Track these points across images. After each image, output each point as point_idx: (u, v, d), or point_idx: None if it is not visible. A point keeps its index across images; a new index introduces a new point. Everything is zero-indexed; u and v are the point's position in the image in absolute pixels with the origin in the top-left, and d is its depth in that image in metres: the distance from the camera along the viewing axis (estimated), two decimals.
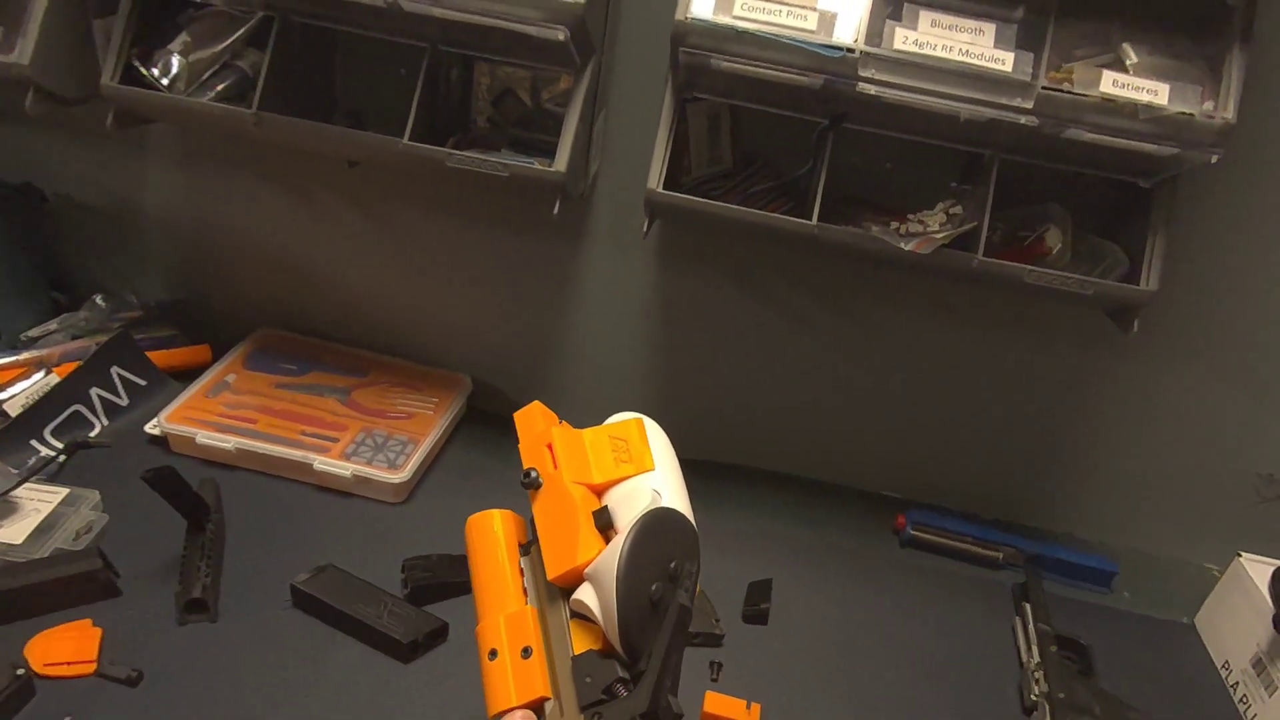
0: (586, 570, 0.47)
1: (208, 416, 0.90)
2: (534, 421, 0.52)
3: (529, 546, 0.51)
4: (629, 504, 0.48)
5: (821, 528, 0.97)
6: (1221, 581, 0.90)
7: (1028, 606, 0.86)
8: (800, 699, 0.76)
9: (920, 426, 1.00)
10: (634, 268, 0.95)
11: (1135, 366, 0.92)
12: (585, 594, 0.46)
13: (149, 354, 0.97)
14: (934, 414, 0.99)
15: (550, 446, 0.50)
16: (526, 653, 0.47)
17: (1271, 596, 0.81)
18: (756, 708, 0.72)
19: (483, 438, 1.01)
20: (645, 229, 0.79)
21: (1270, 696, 0.79)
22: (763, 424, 1.03)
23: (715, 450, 1.05)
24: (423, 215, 0.97)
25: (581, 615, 0.47)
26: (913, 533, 0.96)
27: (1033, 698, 0.77)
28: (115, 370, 0.93)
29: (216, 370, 0.97)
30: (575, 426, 1.05)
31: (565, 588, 0.48)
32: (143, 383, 0.96)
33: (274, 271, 1.04)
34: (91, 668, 0.67)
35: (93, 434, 0.91)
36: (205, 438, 0.87)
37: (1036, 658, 0.80)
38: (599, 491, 0.49)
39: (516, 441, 1.05)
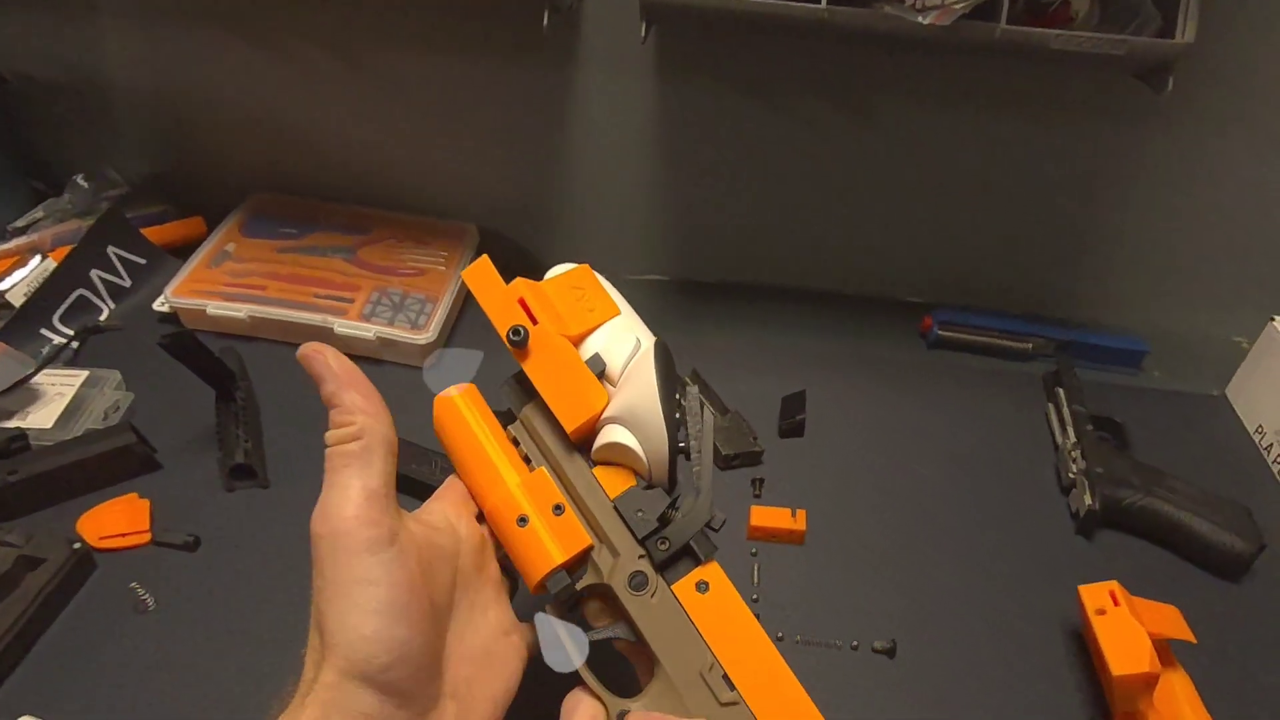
0: (605, 416, 0.47)
1: (214, 287, 0.88)
2: (490, 279, 0.50)
3: (507, 415, 0.50)
4: (614, 349, 0.49)
5: (849, 338, 0.96)
6: (1254, 349, 0.90)
7: (1060, 391, 0.85)
8: (843, 501, 0.77)
9: (943, 226, 0.97)
10: (634, 87, 0.90)
11: (1167, 137, 0.87)
12: (619, 435, 0.46)
13: (142, 231, 0.94)
14: (956, 212, 0.96)
15: (523, 302, 0.48)
16: (559, 510, 0.47)
17: None
18: (802, 513, 0.73)
19: None
20: (643, 34, 0.73)
21: None
22: (782, 240, 1.00)
23: (735, 270, 1.03)
24: (405, 54, 0.91)
25: (603, 461, 0.48)
26: (940, 333, 0.95)
27: (1070, 476, 0.78)
28: (112, 250, 0.91)
29: (214, 241, 0.94)
30: (594, 267, 1.03)
31: (577, 441, 0.48)
32: (142, 261, 0.93)
33: (258, 132, 0.99)
34: (147, 537, 0.68)
35: (101, 318, 0.89)
36: (216, 308, 0.86)
37: (1073, 438, 0.80)
38: (575, 342, 0.49)
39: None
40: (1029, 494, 0.80)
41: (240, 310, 0.85)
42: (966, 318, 0.96)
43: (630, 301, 1.04)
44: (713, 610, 0.44)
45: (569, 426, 0.47)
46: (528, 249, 1.04)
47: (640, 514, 0.46)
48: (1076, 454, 0.79)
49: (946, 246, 0.98)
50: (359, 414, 0.43)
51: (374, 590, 0.39)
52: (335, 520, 0.40)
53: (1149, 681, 0.59)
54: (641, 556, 0.46)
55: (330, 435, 0.43)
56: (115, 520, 0.68)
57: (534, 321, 0.48)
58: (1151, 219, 0.93)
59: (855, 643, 0.66)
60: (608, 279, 1.07)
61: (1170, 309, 0.99)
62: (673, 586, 0.45)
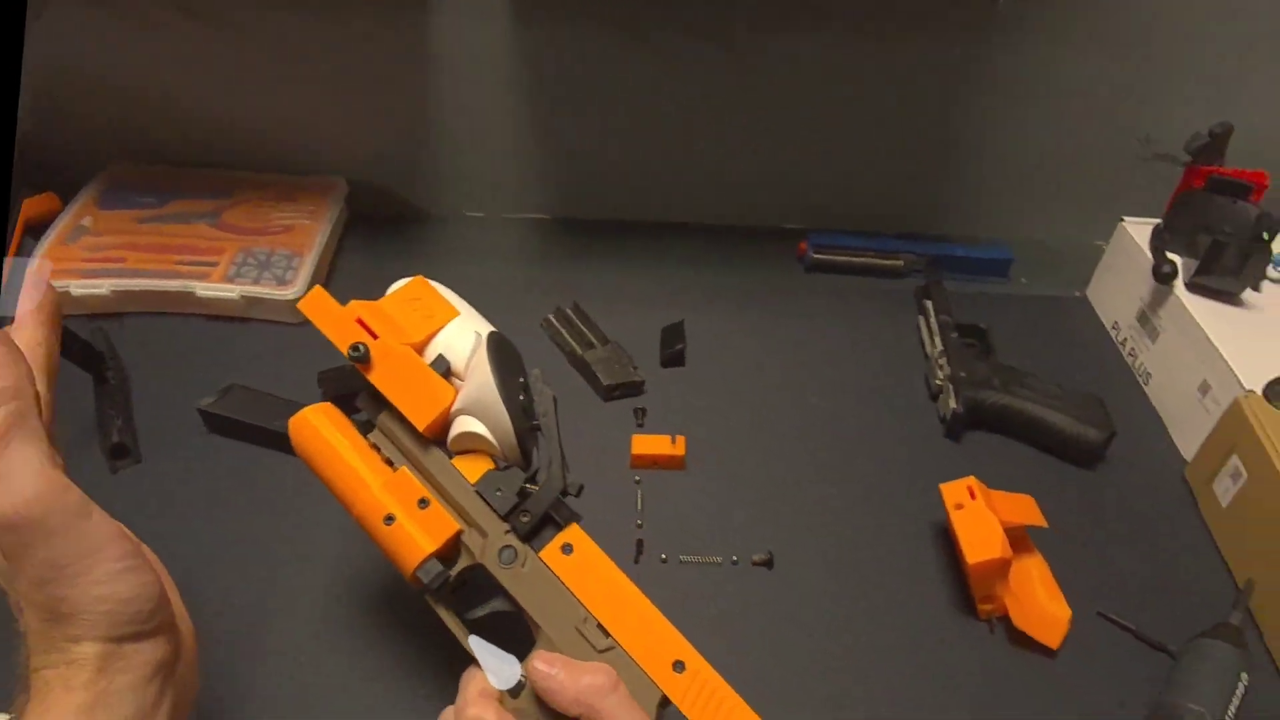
0: (454, 409, 0.49)
1: (72, 265, 0.85)
2: (325, 304, 0.52)
3: (366, 425, 0.52)
4: (457, 348, 0.51)
5: (727, 268, 0.98)
6: (1107, 250, 0.94)
7: (929, 303, 0.89)
8: (723, 425, 0.79)
9: (812, 152, 0.98)
10: (492, 30, 0.88)
11: (1009, 50, 0.90)
12: (470, 425, 0.49)
13: None
14: (822, 137, 0.97)
15: (361, 321, 0.51)
16: (424, 503, 0.49)
17: (1151, 250, 0.85)
18: (681, 440, 0.75)
19: (372, 243, 0.98)
20: None
21: (1154, 343, 0.85)
22: (657, 175, 1.00)
23: (614, 208, 1.03)
24: (257, 9, 0.87)
25: (461, 451, 0.51)
26: (815, 256, 0.97)
27: (937, 383, 0.82)
28: None
29: (68, 216, 0.90)
30: (472, 208, 1.02)
31: (433, 437, 0.51)
32: None
33: (111, 100, 0.94)
34: None
35: None
36: (79, 288, 0.82)
37: (939, 346, 0.84)
38: (418, 349, 0.51)
39: (407, 242, 1.03)
40: (901, 403, 0.83)
41: (101, 286, 0.83)
42: (840, 240, 0.98)
43: (512, 240, 1.05)
44: (579, 568, 0.47)
45: (420, 425, 0.49)
46: (405, 197, 1.02)
47: (499, 493, 0.49)
48: (942, 361, 0.82)
49: (817, 172, 1.00)
50: (6, 367, 0.36)
51: (110, 551, 0.36)
52: (39, 500, 0.35)
53: (1001, 566, 0.62)
54: (508, 532, 0.48)
55: None
56: None
57: (374, 336, 0.50)
58: (1005, 132, 0.96)
59: (735, 558, 0.68)
60: (488, 219, 1.07)
61: (1033, 218, 1.03)
62: (540, 554, 0.48)
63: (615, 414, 0.79)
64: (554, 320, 0.86)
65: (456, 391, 0.50)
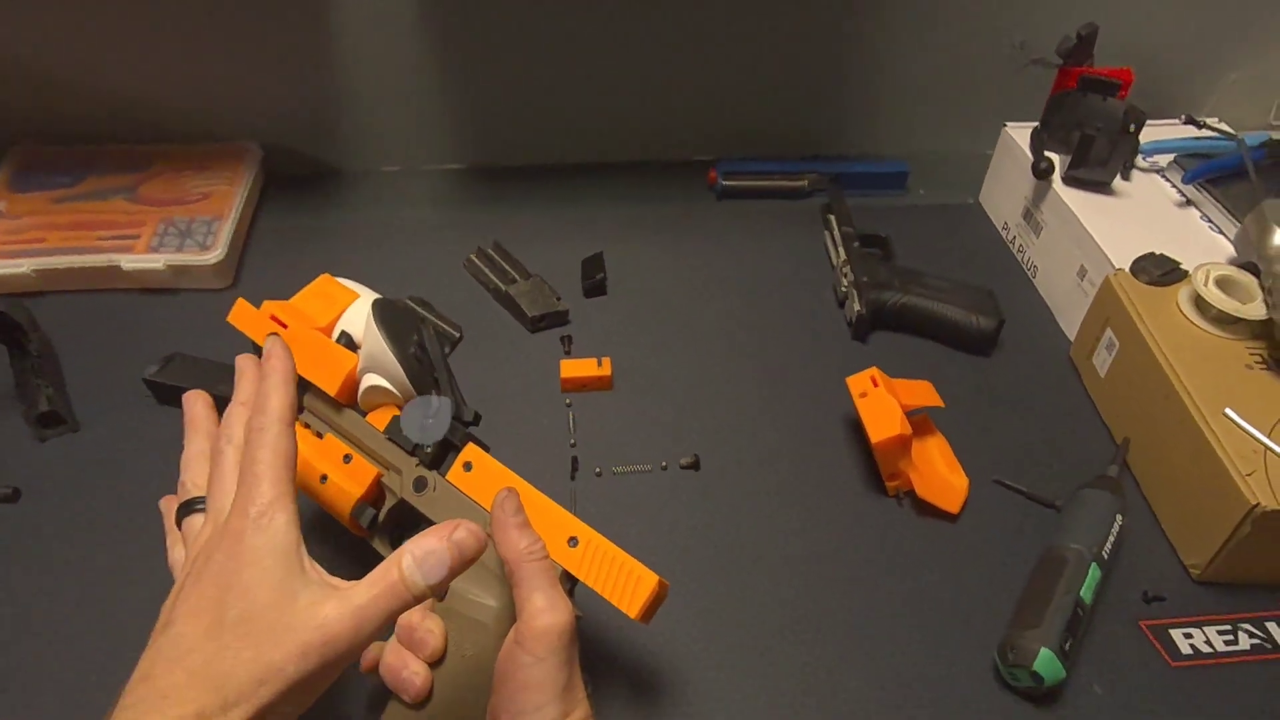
0: (359, 371, 0.57)
1: None
2: (246, 310, 0.60)
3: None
4: (357, 323, 0.59)
5: (641, 201, 1.02)
6: (995, 155, 1.00)
7: (832, 218, 0.94)
8: (647, 346, 0.84)
9: (716, 85, 1.02)
10: None
11: None
12: (373, 381, 0.56)
13: None
14: (725, 70, 1.01)
15: (274, 317, 0.58)
16: (348, 459, 0.56)
17: (1031, 150, 0.91)
18: (607, 361, 0.79)
19: (291, 203, 1.00)
20: None
21: (1038, 237, 0.92)
22: (567, 118, 1.03)
23: (529, 153, 1.06)
24: None
25: (372, 407, 0.58)
26: (724, 183, 1.01)
27: (842, 289, 0.87)
28: None
29: None
30: (389, 162, 1.03)
31: (348, 402, 0.58)
32: None
33: (10, 80, 0.93)
34: None
35: None
36: None
37: (843, 256, 0.89)
38: (325, 331, 0.59)
39: (325, 200, 1.04)
40: (811, 312, 0.88)
41: (21, 265, 0.83)
42: (747, 166, 1.02)
43: (430, 190, 1.09)
44: (480, 479, 0.54)
45: (331, 390, 0.57)
46: (320, 156, 1.04)
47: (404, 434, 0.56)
48: (846, 270, 0.88)
49: (722, 104, 1.04)
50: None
51: None
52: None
53: (902, 443, 0.68)
54: (418, 465, 0.55)
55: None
56: None
57: (285, 326, 0.58)
58: (894, 52, 1.01)
59: (664, 464, 0.73)
60: (404, 172, 1.10)
61: (926, 132, 1.09)
62: (446, 476, 0.54)
63: (543, 343, 0.83)
64: (475, 259, 0.89)
65: (358, 357, 0.57)
